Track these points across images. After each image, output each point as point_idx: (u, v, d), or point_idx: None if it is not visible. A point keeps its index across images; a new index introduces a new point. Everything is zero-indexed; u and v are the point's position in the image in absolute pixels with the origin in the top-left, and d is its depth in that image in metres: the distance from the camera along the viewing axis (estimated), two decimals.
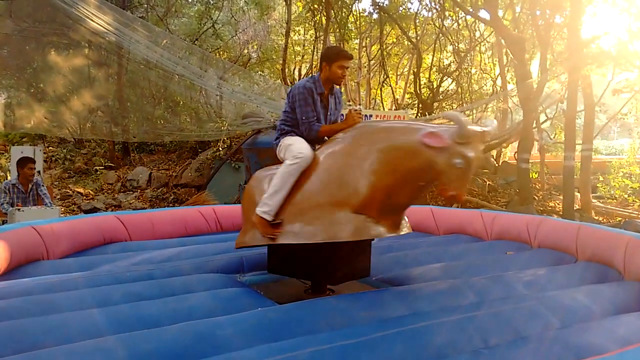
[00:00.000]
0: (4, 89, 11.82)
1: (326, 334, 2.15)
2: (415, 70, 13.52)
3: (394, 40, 16.28)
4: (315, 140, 3.03)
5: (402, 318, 2.37)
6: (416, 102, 13.58)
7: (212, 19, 14.33)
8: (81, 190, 11.27)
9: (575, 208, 9.13)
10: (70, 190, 11.16)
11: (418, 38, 14.14)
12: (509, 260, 3.80)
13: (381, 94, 16.34)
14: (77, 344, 1.97)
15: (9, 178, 9.18)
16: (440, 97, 13.98)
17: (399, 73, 17.87)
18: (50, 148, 13.49)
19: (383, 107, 16.53)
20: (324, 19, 13.70)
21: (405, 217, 2.97)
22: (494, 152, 13.83)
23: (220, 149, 11.47)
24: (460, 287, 2.88)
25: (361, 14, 15.38)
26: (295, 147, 2.90)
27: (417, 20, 14.37)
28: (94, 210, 9.92)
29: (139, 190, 11.60)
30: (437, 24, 13.91)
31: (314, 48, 15.32)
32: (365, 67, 16.52)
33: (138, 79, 11.70)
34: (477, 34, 14.29)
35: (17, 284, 2.77)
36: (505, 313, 2.44)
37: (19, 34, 10.17)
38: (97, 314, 2.30)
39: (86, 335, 2.08)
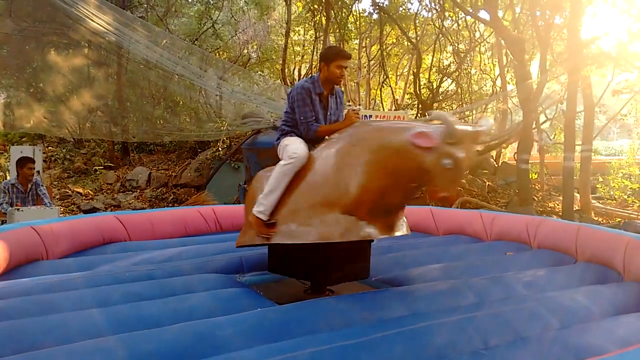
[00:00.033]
0: (3, 89, 11.82)
1: (326, 335, 2.15)
2: (415, 70, 13.51)
3: (394, 40, 16.28)
4: (314, 141, 3.03)
5: (401, 318, 2.37)
6: (416, 102, 13.58)
7: (212, 19, 14.33)
8: (80, 190, 11.27)
9: (574, 209, 9.13)
10: (70, 190, 11.15)
11: (418, 38, 14.14)
12: (509, 260, 3.80)
13: (381, 94, 16.34)
14: (76, 344, 1.96)
15: (8, 178, 9.18)
16: (440, 97, 13.98)
17: (398, 73, 17.87)
18: (49, 148, 13.49)
19: (383, 107, 16.53)
20: (323, 19, 13.70)
21: (404, 218, 2.93)
22: (493, 153, 13.84)
23: (220, 149, 11.47)
24: (460, 288, 2.88)
25: (361, 14, 15.37)
26: (290, 148, 2.91)
27: (417, 21, 14.37)
28: (94, 210, 9.91)
29: (138, 190, 11.59)
30: (437, 25, 13.91)
31: (313, 48, 15.32)
32: (365, 67, 16.52)
33: (138, 79, 11.69)
34: (477, 34, 14.30)
35: (17, 284, 2.77)
36: (505, 314, 2.44)
37: (18, 33, 10.16)
38: (96, 314, 2.30)
39: (86, 335, 2.08)
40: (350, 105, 11.02)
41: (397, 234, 2.86)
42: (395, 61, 17.37)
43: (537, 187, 12.18)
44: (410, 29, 14.18)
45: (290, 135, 3.06)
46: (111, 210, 10.06)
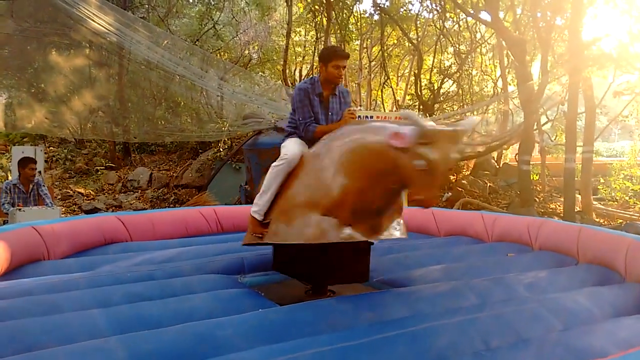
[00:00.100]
0: (5, 89, 11.82)
1: (327, 336, 2.15)
2: (416, 71, 13.52)
3: (395, 41, 16.29)
4: (313, 141, 3.04)
5: (403, 320, 2.37)
6: (417, 103, 13.57)
7: (213, 19, 14.33)
8: (82, 190, 11.28)
9: (576, 210, 9.12)
10: (71, 190, 11.16)
11: (419, 39, 14.15)
12: (510, 262, 3.79)
13: (382, 95, 16.34)
14: (77, 345, 1.96)
15: (9, 178, 9.19)
16: (441, 98, 13.98)
17: (399, 74, 17.88)
18: (51, 148, 13.50)
19: (384, 108, 16.54)
20: (324, 20, 13.71)
21: (400, 221, 2.85)
22: (494, 154, 13.83)
23: (221, 149, 11.47)
24: (461, 289, 2.88)
25: (362, 15, 15.38)
26: (283, 149, 2.96)
27: (418, 22, 14.37)
28: (95, 210, 9.92)
29: (139, 191, 11.60)
30: (438, 26, 13.90)
31: (314, 49, 15.33)
32: (366, 68, 16.52)
33: (139, 80, 11.70)
34: (478, 35, 14.29)
35: (18, 284, 2.77)
36: (506, 315, 2.43)
37: (20, 34, 10.18)
38: (97, 314, 2.30)
39: (87, 335, 2.08)
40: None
41: (386, 236, 2.77)
42: (396, 62, 17.38)
43: (538, 188, 12.16)
44: (411, 30, 14.18)
45: (292, 137, 3.09)
46: (112, 211, 10.07)
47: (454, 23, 14.14)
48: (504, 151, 14.42)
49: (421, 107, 13.10)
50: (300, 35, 17.41)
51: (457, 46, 13.84)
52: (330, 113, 3.12)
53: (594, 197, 11.05)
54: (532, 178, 11.01)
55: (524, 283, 3.09)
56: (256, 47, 15.65)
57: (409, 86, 16.43)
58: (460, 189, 11.04)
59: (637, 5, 9.15)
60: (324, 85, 3.07)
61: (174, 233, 4.61)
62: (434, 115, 12.30)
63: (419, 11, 15.57)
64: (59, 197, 10.50)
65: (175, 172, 12.51)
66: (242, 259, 3.49)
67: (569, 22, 9.53)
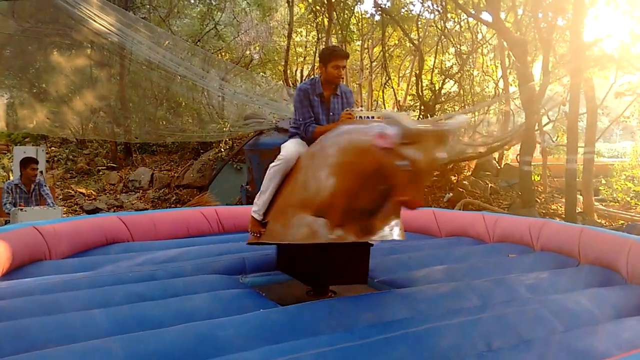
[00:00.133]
0: (6, 89, 11.83)
1: (328, 336, 2.15)
2: (417, 72, 13.50)
3: (396, 42, 16.28)
4: (313, 141, 3.05)
5: (404, 320, 2.36)
6: (418, 104, 13.57)
7: (214, 20, 14.33)
8: (83, 190, 11.29)
9: (577, 211, 9.11)
10: (73, 190, 11.18)
11: (420, 40, 14.14)
12: (512, 263, 3.79)
13: (383, 95, 16.34)
14: (78, 345, 1.96)
15: (11, 178, 9.21)
16: (442, 99, 13.96)
17: (401, 75, 17.86)
18: (52, 148, 13.51)
19: (385, 108, 16.53)
20: (326, 20, 13.71)
21: (397, 222, 2.78)
22: (496, 155, 13.81)
23: (222, 150, 11.47)
24: (462, 290, 2.88)
25: (363, 16, 15.38)
26: (282, 149, 2.99)
27: (419, 22, 14.36)
28: (96, 210, 9.93)
29: (141, 191, 11.61)
30: (439, 26, 13.89)
31: (316, 49, 15.33)
32: (367, 68, 16.52)
33: (140, 80, 11.71)
34: (479, 36, 14.28)
35: (20, 284, 2.77)
36: (508, 316, 2.43)
37: (21, 34, 10.19)
38: (99, 314, 2.30)
39: (88, 335, 2.08)
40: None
41: (381, 238, 2.73)
42: (397, 62, 17.37)
43: (539, 189, 12.15)
44: (413, 31, 14.18)
45: (294, 137, 3.11)
46: (114, 211, 10.08)
47: (455, 23, 14.13)
48: (505, 152, 14.40)
49: (422, 107, 13.09)
50: (301, 36, 17.41)
51: (459, 47, 13.83)
52: (331, 113, 3.12)
53: (596, 198, 11.04)
54: (533, 179, 10.99)
55: (525, 284, 3.09)
56: (257, 48, 15.65)
57: (410, 87, 16.42)
58: (461, 190, 11.04)
59: (639, 5, 9.13)
60: (324, 85, 3.07)
61: (175, 233, 4.62)
62: (435, 116, 12.29)
63: (420, 12, 15.55)
64: (61, 197, 10.51)
65: (176, 173, 12.52)
66: (243, 259, 3.49)
67: (570, 22, 9.52)
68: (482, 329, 2.28)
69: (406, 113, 10.71)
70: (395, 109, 16.13)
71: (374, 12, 15.17)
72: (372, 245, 2.99)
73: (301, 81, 15.61)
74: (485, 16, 11.19)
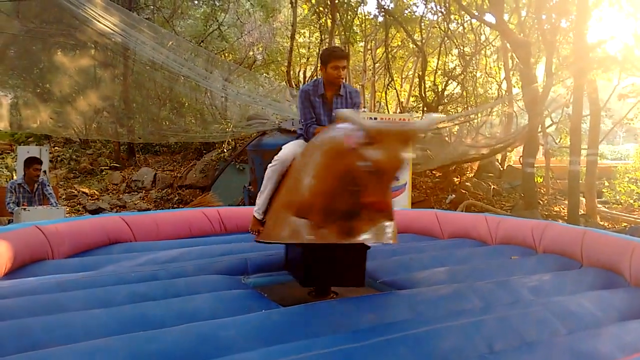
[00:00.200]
0: (10, 89, 11.87)
1: (330, 337, 2.14)
2: (420, 73, 13.51)
3: (399, 43, 16.27)
4: None
5: (406, 322, 2.36)
6: (421, 105, 13.56)
7: (217, 20, 14.36)
8: (86, 190, 11.33)
9: (580, 213, 9.09)
10: (76, 190, 11.21)
11: (423, 41, 14.13)
12: (514, 265, 3.78)
13: (386, 97, 16.33)
14: (80, 344, 1.97)
15: (15, 177, 9.24)
16: (445, 100, 13.96)
17: (404, 76, 17.85)
18: (56, 148, 13.56)
19: (388, 110, 16.53)
20: (329, 21, 13.72)
21: (389, 225, 2.68)
22: (499, 156, 13.79)
23: (225, 150, 11.50)
24: (464, 292, 2.87)
25: (366, 17, 15.39)
26: (281, 150, 3.03)
27: (423, 24, 14.36)
28: (99, 210, 9.96)
29: (143, 191, 11.64)
30: (442, 27, 13.89)
31: (319, 50, 15.32)
32: (370, 70, 16.52)
33: (144, 80, 11.73)
34: (483, 37, 14.27)
35: (22, 283, 2.78)
36: (510, 318, 2.42)
37: (26, 34, 10.23)
38: (101, 314, 2.31)
39: (90, 335, 2.08)
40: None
41: (368, 240, 2.67)
42: (400, 64, 17.36)
43: (542, 191, 12.13)
44: (416, 32, 14.17)
45: (299, 138, 3.15)
46: (116, 211, 10.11)
47: (459, 25, 14.12)
48: (508, 154, 14.38)
49: (425, 108, 13.09)
50: (304, 37, 17.43)
51: (462, 48, 13.83)
52: (334, 114, 3.12)
53: (599, 200, 11.01)
54: (536, 181, 10.98)
55: (528, 286, 3.07)
56: (260, 49, 15.68)
57: (413, 88, 16.42)
58: (464, 191, 11.03)
59: None
60: (326, 86, 3.09)
61: (177, 233, 4.62)
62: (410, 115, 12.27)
63: (423, 13, 15.53)
64: (64, 196, 10.54)
65: (179, 173, 12.54)
66: (245, 259, 3.49)
67: (574, 24, 9.51)
68: (484, 331, 2.27)
69: (409, 115, 10.71)
70: (398, 111, 16.13)
71: (377, 14, 15.22)
72: (369, 248, 2.96)
73: (304, 82, 15.66)
74: (489, 18, 11.20)
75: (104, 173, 12.62)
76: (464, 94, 13.89)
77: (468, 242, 4.74)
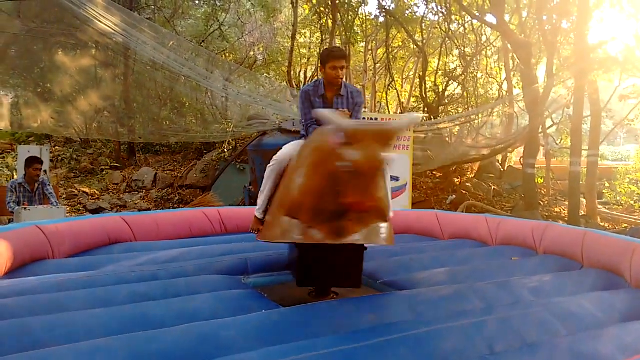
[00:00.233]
0: (11, 89, 11.89)
1: (330, 338, 2.14)
2: (421, 73, 13.51)
3: (400, 43, 16.28)
4: None
5: (406, 323, 2.36)
6: (422, 105, 13.57)
7: (218, 21, 14.37)
8: (87, 190, 11.33)
9: (581, 214, 9.08)
10: (76, 190, 11.22)
11: (424, 42, 14.13)
12: (514, 265, 3.77)
13: (387, 97, 16.33)
14: (80, 344, 1.97)
15: (15, 177, 9.25)
16: (446, 101, 13.97)
17: (404, 76, 17.85)
18: (56, 148, 13.57)
19: (388, 110, 16.53)
20: (330, 21, 13.72)
21: (384, 226, 2.64)
22: (499, 157, 13.79)
23: (226, 150, 11.50)
24: (465, 293, 2.86)
25: (367, 17, 15.38)
26: (280, 150, 3.06)
27: (424, 24, 14.36)
28: (100, 209, 9.96)
29: (144, 191, 11.64)
30: (443, 28, 13.89)
31: (319, 51, 15.32)
32: (370, 70, 16.52)
33: (144, 80, 11.73)
34: (484, 38, 14.27)
35: (22, 282, 2.77)
36: (511, 319, 2.42)
37: (27, 34, 10.23)
38: (101, 313, 2.31)
39: (90, 335, 2.08)
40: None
41: (362, 242, 2.63)
42: (401, 64, 17.36)
43: (543, 191, 12.12)
44: (417, 32, 14.18)
45: (301, 139, 3.16)
46: (117, 210, 10.11)
47: (460, 26, 14.12)
48: (508, 154, 14.39)
49: (426, 109, 13.09)
50: (305, 37, 17.43)
51: (463, 49, 13.83)
52: None
53: (599, 201, 11.01)
54: (536, 181, 10.98)
55: (528, 287, 3.07)
56: (261, 49, 15.68)
57: (413, 88, 16.42)
58: (464, 192, 11.03)
59: None
60: (327, 87, 3.09)
61: (178, 233, 4.62)
62: (438, 118, 12.28)
63: (424, 13, 15.58)
64: (64, 196, 10.55)
65: (179, 173, 12.55)
66: (245, 259, 3.49)
67: (575, 25, 9.51)
68: (485, 332, 2.26)
69: (409, 115, 10.69)
70: (399, 111, 16.12)
71: (378, 14, 15.20)
72: (366, 249, 2.94)
73: (305, 82, 15.67)
74: (490, 18, 11.20)
75: (104, 173, 12.62)
76: (465, 94, 13.89)
77: (468, 243, 4.73)
